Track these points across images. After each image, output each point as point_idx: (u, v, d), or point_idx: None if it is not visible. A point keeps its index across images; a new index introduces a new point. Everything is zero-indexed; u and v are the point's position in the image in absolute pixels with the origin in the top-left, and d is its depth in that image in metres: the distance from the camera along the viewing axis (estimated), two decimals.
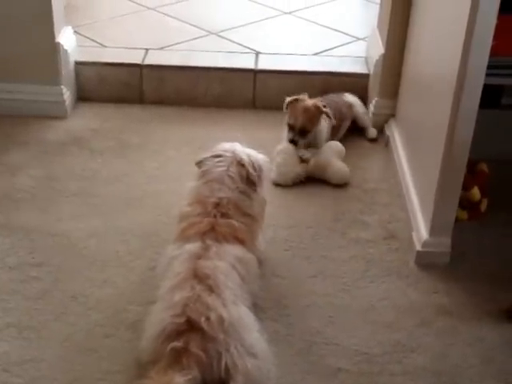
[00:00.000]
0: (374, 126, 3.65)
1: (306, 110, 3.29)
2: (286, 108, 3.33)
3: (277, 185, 3.23)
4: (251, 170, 2.55)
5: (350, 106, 3.63)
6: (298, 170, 3.26)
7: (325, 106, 3.32)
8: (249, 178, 2.55)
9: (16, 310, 2.50)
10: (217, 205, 2.46)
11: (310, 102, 3.31)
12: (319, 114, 3.31)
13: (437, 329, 2.52)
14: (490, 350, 2.43)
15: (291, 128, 3.32)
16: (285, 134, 3.36)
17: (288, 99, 3.32)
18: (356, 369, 2.34)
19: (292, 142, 3.31)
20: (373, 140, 3.62)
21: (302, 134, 3.31)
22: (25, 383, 2.23)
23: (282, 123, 3.38)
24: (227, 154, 2.57)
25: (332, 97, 3.60)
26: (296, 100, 3.31)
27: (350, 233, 2.96)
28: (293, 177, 3.24)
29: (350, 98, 3.68)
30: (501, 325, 2.53)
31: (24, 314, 2.49)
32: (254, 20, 4.45)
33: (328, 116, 3.31)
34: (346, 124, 3.60)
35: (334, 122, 3.35)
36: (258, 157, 2.64)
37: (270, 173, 3.19)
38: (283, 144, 3.33)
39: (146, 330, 2.24)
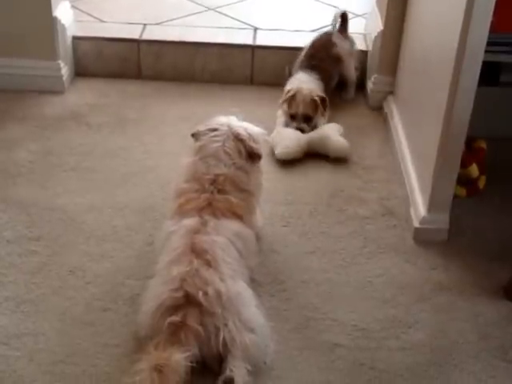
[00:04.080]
0: (373, 103, 3.65)
1: (306, 98, 3.33)
2: (285, 101, 3.36)
3: (283, 161, 3.21)
4: (252, 144, 2.54)
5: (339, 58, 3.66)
6: (300, 142, 3.25)
7: (323, 99, 3.35)
8: (250, 152, 2.53)
9: (14, 284, 2.51)
10: (213, 181, 2.45)
11: (307, 91, 3.35)
12: (317, 104, 3.34)
13: (434, 305, 2.52)
14: (488, 326, 2.44)
15: (293, 117, 3.35)
16: (280, 121, 3.41)
17: (287, 95, 3.35)
18: (353, 344, 2.35)
19: (298, 129, 3.33)
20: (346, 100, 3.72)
21: (306, 121, 3.34)
22: (22, 356, 2.24)
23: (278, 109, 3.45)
24: (223, 128, 2.55)
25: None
26: (294, 94, 3.34)
27: (347, 209, 2.96)
28: (296, 147, 3.23)
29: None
30: (498, 301, 2.54)
31: (22, 287, 2.49)
32: None
33: (324, 109, 3.36)
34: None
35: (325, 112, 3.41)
36: (255, 130, 2.62)
37: (275, 149, 3.21)
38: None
39: (144, 305, 2.25)
